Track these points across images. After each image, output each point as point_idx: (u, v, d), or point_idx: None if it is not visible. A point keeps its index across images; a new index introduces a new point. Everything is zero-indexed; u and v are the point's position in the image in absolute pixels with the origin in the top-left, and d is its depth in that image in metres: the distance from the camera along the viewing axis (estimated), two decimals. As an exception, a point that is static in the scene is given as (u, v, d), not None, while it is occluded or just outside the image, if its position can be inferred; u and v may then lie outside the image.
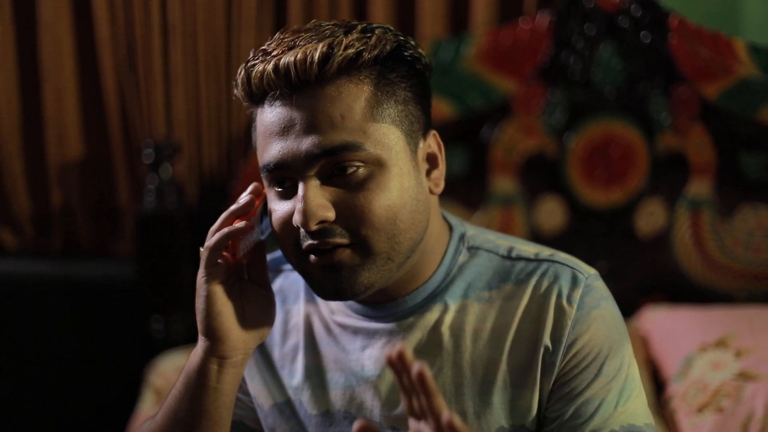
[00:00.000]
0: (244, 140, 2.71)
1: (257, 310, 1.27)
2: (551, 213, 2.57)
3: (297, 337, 1.36)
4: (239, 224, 1.22)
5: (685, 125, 2.49)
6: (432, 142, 1.25)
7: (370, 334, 1.29)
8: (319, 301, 1.36)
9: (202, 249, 1.24)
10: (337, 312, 1.33)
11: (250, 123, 2.62)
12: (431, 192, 1.24)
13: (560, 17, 2.48)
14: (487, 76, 2.49)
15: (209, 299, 1.21)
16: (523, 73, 2.49)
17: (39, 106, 2.75)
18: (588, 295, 1.23)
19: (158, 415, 1.29)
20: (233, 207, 1.24)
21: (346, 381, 1.31)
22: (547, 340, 1.22)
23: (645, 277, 2.58)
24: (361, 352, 1.30)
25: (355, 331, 1.31)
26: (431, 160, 1.25)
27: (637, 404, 1.24)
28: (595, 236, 2.57)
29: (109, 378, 2.78)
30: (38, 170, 2.80)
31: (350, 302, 1.31)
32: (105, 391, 2.77)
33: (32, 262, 2.83)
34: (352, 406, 1.30)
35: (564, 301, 1.22)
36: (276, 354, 1.38)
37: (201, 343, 1.24)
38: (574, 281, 1.24)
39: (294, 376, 1.35)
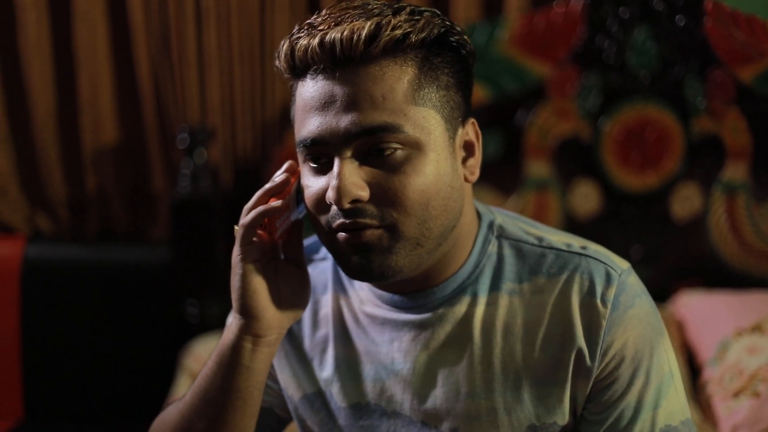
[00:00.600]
0: (278, 125, 2.71)
1: (292, 289, 1.26)
2: (586, 197, 2.56)
3: (327, 328, 1.35)
4: (275, 203, 1.21)
5: (720, 109, 2.47)
6: (470, 130, 1.23)
7: (399, 326, 1.28)
8: (349, 291, 1.35)
9: (236, 227, 1.23)
10: (367, 302, 1.32)
11: (284, 108, 2.65)
12: (466, 180, 1.22)
13: (594, 0, 2.46)
14: (522, 60, 2.48)
15: (245, 277, 1.21)
16: (558, 56, 2.48)
17: (74, 92, 2.76)
18: (623, 293, 1.20)
19: (188, 395, 1.29)
20: (268, 185, 1.24)
21: (376, 373, 1.30)
22: (581, 342, 1.19)
23: (680, 262, 2.57)
24: (390, 344, 1.28)
25: (384, 323, 1.29)
26: (468, 148, 1.23)
27: (674, 401, 1.22)
28: (630, 220, 2.56)
29: (144, 362, 2.79)
30: (73, 156, 2.82)
31: (380, 292, 1.29)
32: (139, 375, 2.78)
33: (67, 246, 2.85)
34: (382, 398, 1.29)
35: (598, 301, 1.19)
36: (306, 344, 1.37)
37: (235, 321, 1.23)
38: (608, 279, 1.20)
39: (324, 367, 1.34)
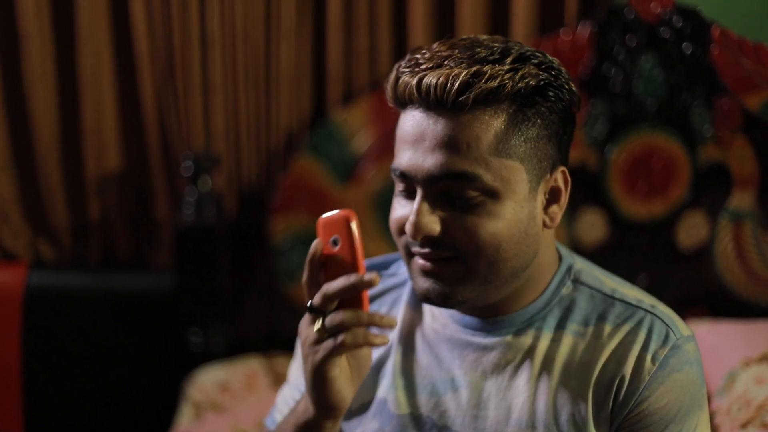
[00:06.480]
0: (283, 152, 2.70)
1: (355, 362, 1.26)
2: (592, 225, 2.55)
3: (391, 337, 1.39)
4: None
5: (727, 137, 2.46)
6: (559, 178, 1.27)
7: (464, 345, 1.33)
8: (424, 305, 1.40)
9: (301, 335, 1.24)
10: (438, 318, 1.37)
11: (289, 135, 2.65)
12: (545, 226, 1.26)
13: (601, 28, 2.46)
14: (528, 88, 2.46)
15: (326, 380, 1.20)
16: (565, 84, 2.46)
17: (78, 118, 2.73)
18: (674, 356, 1.25)
19: None
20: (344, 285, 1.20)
21: (434, 387, 1.34)
22: (623, 386, 1.24)
23: (686, 291, 2.55)
24: (452, 362, 1.33)
25: (450, 340, 1.34)
26: (553, 194, 1.27)
27: None
28: (636, 249, 2.55)
29: (146, 391, 2.77)
30: (77, 182, 2.79)
31: (452, 311, 1.34)
32: (142, 404, 2.76)
33: (70, 273, 2.82)
34: (435, 412, 1.33)
35: (649, 355, 1.24)
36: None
37: (314, 407, 1.24)
38: (666, 339, 1.25)
39: (385, 375, 1.39)
